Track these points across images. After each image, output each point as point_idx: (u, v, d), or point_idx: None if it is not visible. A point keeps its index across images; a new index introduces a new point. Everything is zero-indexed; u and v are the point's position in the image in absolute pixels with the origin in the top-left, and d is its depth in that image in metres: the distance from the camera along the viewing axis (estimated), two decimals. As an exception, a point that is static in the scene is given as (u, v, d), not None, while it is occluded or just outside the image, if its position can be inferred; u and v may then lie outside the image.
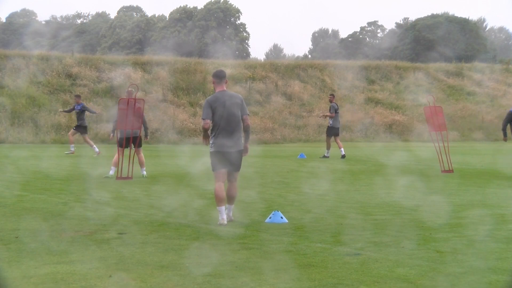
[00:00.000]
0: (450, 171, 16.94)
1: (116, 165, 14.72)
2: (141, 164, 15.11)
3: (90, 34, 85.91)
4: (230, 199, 9.02)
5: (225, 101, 8.80)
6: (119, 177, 14.57)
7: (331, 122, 22.06)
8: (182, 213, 9.79)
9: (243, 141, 9.01)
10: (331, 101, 22.39)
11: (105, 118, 32.62)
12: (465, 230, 8.44)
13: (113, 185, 13.61)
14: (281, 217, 8.93)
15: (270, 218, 8.97)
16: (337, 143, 21.98)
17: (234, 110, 8.83)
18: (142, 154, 15.22)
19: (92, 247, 7.22)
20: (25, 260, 6.61)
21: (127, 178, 14.62)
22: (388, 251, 7.11)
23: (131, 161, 14.68)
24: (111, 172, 14.82)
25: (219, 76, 8.99)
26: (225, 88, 8.98)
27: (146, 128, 15.94)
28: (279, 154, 24.31)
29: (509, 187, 13.93)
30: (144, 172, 15.09)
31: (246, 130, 9.03)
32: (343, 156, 21.33)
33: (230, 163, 8.90)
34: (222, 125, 8.79)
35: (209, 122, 8.76)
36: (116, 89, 35.11)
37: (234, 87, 38.80)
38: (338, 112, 22.24)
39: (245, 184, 12.49)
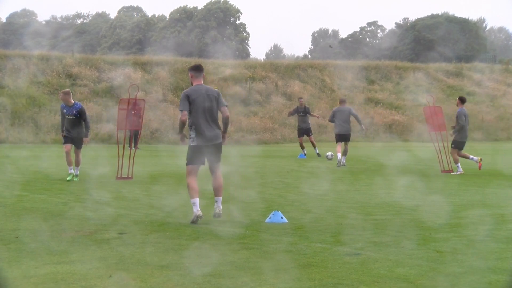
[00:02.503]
0: (450, 171, 16.94)
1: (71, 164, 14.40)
2: (76, 164, 14.57)
3: (90, 34, 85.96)
4: (216, 190, 9.04)
5: (202, 94, 8.91)
6: (119, 177, 14.58)
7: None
8: (182, 213, 9.78)
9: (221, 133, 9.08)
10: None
11: (105, 118, 32.66)
12: (465, 230, 8.44)
13: (113, 185, 13.61)
14: (281, 217, 8.93)
15: (270, 218, 8.97)
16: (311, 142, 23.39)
17: (211, 103, 8.93)
18: (80, 156, 14.64)
19: (92, 247, 7.22)
20: (25, 260, 6.61)
21: (127, 178, 14.62)
22: (388, 251, 7.11)
23: (131, 161, 14.69)
24: (71, 171, 14.34)
25: (198, 70, 9.12)
26: (202, 82, 9.11)
27: (87, 128, 14.77)
28: (279, 154, 24.32)
29: (509, 187, 13.94)
30: (77, 172, 14.52)
31: (225, 122, 9.12)
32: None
33: (209, 156, 8.98)
34: (201, 119, 8.86)
35: (186, 114, 8.85)
36: (116, 89, 35.12)
37: (234, 87, 38.83)
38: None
39: (245, 184, 12.50)
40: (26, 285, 5.76)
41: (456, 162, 16.96)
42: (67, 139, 14.58)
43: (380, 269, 6.31)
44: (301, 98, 24.87)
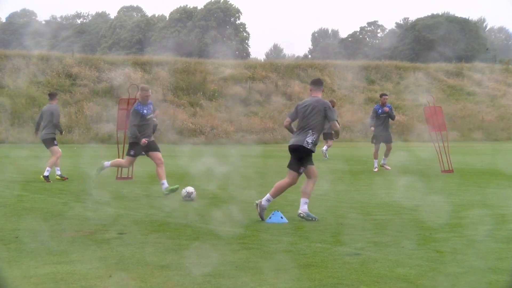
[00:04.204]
0: (450, 171, 16.94)
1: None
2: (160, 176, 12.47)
3: (90, 34, 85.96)
4: (301, 192, 9.39)
5: (308, 104, 9.43)
6: (119, 177, 14.57)
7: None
8: (182, 213, 9.79)
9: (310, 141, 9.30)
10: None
11: (105, 118, 32.65)
12: (465, 230, 8.44)
13: (113, 185, 13.61)
14: (281, 217, 8.93)
15: (270, 218, 8.97)
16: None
17: (312, 113, 9.34)
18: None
19: (92, 247, 7.22)
20: (25, 260, 6.61)
21: (127, 178, 14.61)
22: (388, 251, 7.11)
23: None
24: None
25: (314, 83, 9.76)
26: (318, 96, 9.59)
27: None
28: (279, 154, 24.31)
29: (509, 187, 13.93)
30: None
31: (335, 131, 9.79)
32: None
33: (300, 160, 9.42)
34: (298, 124, 9.48)
35: (289, 121, 9.50)
36: (116, 89, 35.13)
37: (234, 87, 38.80)
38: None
39: (245, 184, 12.50)
40: (26, 285, 5.76)
41: (376, 157, 17.84)
42: (137, 149, 12.29)
43: (380, 269, 6.31)
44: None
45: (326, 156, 21.86)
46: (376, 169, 17.64)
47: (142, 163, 17.19)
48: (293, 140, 9.36)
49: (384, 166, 17.85)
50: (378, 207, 10.47)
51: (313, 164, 9.43)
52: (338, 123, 9.78)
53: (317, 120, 9.31)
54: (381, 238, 7.85)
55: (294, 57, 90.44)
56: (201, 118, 35.23)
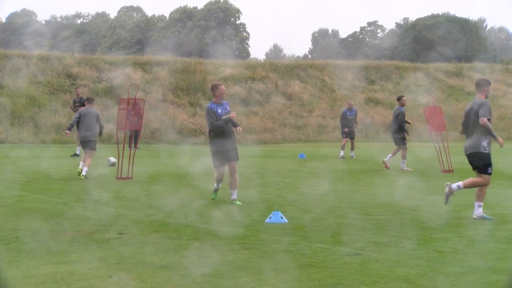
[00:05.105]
0: (450, 171, 16.93)
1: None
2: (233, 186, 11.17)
3: (90, 34, 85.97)
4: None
5: (470, 107, 9.67)
6: (119, 177, 14.57)
7: None
8: (182, 213, 9.79)
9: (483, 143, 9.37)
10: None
11: (105, 118, 32.61)
12: (465, 230, 8.44)
13: (113, 185, 13.61)
14: (281, 217, 8.93)
15: (270, 218, 8.97)
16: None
17: (473, 116, 9.50)
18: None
19: (92, 247, 7.22)
20: (25, 260, 6.61)
21: (127, 178, 14.61)
22: (388, 251, 7.11)
23: (131, 161, 14.68)
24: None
25: (476, 85, 10.04)
26: (481, 96, 9.75)
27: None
28: (279, 154, 24.31)
29: (509, 187, 13.94)
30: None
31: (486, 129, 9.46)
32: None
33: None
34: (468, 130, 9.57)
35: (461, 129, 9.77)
36: (116, 89, 35.11)
37: (234, 87, 38.79)
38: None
39: (245, 184, 12.48)
40: (26, 285, 5.76)
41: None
42: (223, 156, 10.93)
43: (380, 269, 6.31)
44: (77, 88, 25.20)
45: (345, 156, 22.09)
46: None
47: (142, 163, 17.20)
48: (465, 146, 9.48)
49: (386, 163, 17.93)
50: (378, 207, 10.47)
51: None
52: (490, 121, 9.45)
53: (477, 120, 9.37)
54: (381, 238, 7.85)
55: (294, 57, 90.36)
56: (201, 118, 35.12)
